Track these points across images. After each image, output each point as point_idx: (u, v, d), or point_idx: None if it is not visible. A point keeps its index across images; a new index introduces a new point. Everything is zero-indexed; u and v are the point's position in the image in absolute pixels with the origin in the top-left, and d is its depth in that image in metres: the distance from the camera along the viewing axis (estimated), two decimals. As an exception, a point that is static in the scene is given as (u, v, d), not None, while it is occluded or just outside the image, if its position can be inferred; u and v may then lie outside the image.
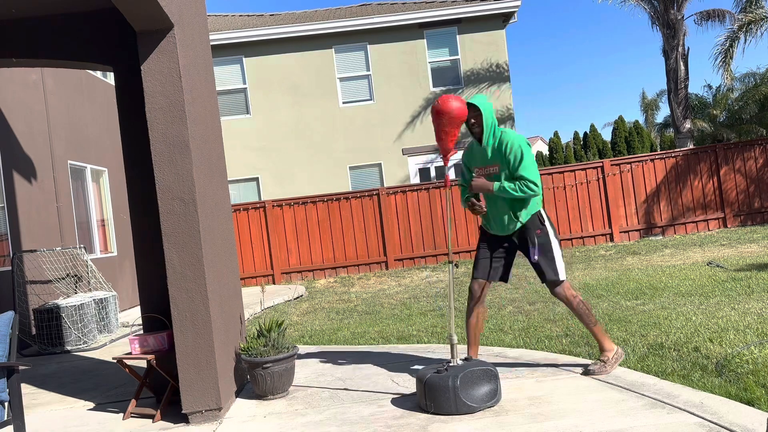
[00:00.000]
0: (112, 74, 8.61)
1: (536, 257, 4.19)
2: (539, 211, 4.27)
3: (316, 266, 13.33)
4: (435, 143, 16.55)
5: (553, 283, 4.21)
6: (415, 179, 16.65)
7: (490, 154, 4.24)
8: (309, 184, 16.36)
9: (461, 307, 7.82)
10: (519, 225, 4.24)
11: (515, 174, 4.15)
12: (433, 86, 16.83)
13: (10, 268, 8.16)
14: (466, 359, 3.92)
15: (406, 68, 16.73)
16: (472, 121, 4.24)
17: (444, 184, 3.94)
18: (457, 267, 4.17)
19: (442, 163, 16.82)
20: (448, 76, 16.92)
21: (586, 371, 4.20)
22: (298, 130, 16.63)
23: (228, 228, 5.02)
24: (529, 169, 4.11)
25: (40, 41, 4.88)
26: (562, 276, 4.19)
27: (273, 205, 13.36)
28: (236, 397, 4.58)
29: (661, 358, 4.49)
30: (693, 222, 13.59)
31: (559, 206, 13.44)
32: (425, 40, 16.79)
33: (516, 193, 4.10)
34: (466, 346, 5.02)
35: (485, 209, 4.27)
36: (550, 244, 4.21)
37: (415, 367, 4.88)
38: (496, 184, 4.15)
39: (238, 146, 16.38)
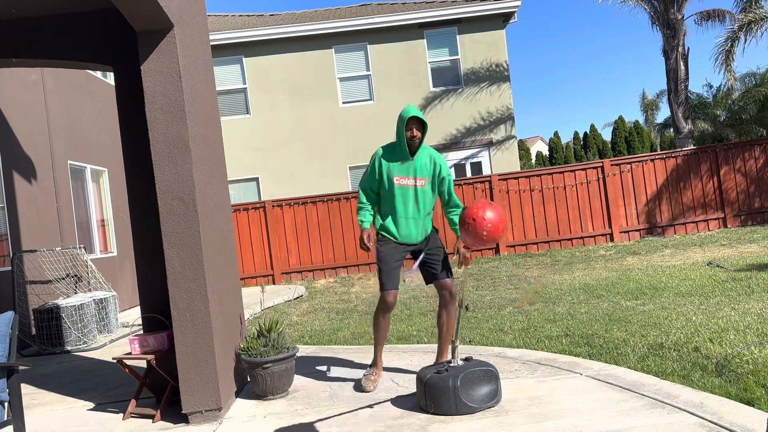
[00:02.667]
0: (112, 74, 8.61)
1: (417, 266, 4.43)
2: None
3: (316, 266, 13.33)
4: (434, 143, 16.57)
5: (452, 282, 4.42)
6: (415, 179, 16.64)
7: (419, 167, 4.37)
8: (309, 184, 16.36)
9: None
10: (424, 237, 4.47)
11: (447, 191, 4.47)
12: (433, 86, 16.83)
13: (10, 268, 8.16)
14: (466, 359, 3.92)
15: (406, 68, 16.73)
16: (416, 133, 4.30)
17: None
18: (467, 310, 4.24)
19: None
20: (448, 76, 16.92)
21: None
22: (298, 130, 16.63)
23: (228, 228, 5.02)
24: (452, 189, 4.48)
25: (40, 41, 4.88)
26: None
27: (273, 205, 13.36)
28: (236, 397, 4.58)
29: (661, 358, 4.49)
30: (693, 222, 13.59)
31: (559, 206, 13.44)
32: (425, 40, 16.79)
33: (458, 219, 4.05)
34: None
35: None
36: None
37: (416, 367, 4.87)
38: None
39: (238, 146, 16.37)
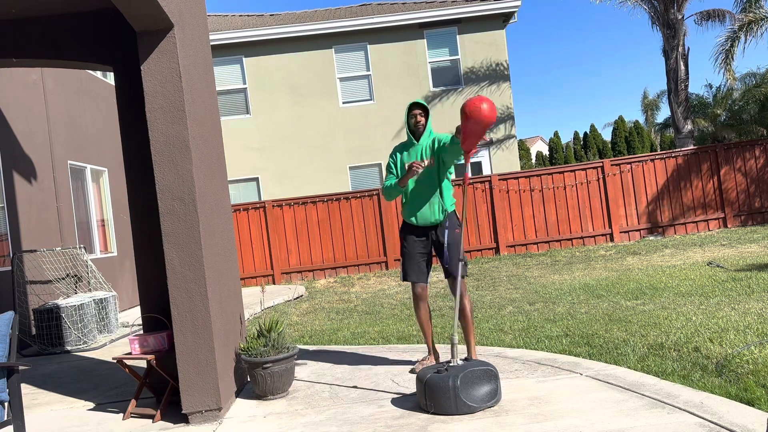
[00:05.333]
0: (112, 74, 8.61)
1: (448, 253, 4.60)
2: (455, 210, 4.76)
3: (316, 266, 13.33)
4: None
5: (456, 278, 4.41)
6: (415, 179, 16.64)
7: (424, 150, 4.72)
8: (309, 184, 16.35)
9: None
10: (443, 215, 4.63)
11: (443, 140, 4.60)
12: (433, 86, 16.83)
13: (10, 268, 8.15)
14: (465, 359, 3.92)
15: (406, 68, 16.73)
16: (420, 118, 4.72)
17: (463, 182, 4.28)
18: (466, 265, 4.30)
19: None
20: (448, 76, 16.92)
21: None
22: (298, 130, 16.63)
23: (228, 228, 5.02)
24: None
25: (40, 41, 4.88)
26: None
27: (273, 205, 13.35)
28: (236, 397, 4.58)
29: (661, 358, 4.49)
30: (693, 222, 13.58)
31: (559, 206, 13.44)
32: (425, 40, 16.79)
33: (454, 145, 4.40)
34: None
35: (422, 166, 4.51)
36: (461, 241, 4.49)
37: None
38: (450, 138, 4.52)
39: (238, 146, 16.37)
